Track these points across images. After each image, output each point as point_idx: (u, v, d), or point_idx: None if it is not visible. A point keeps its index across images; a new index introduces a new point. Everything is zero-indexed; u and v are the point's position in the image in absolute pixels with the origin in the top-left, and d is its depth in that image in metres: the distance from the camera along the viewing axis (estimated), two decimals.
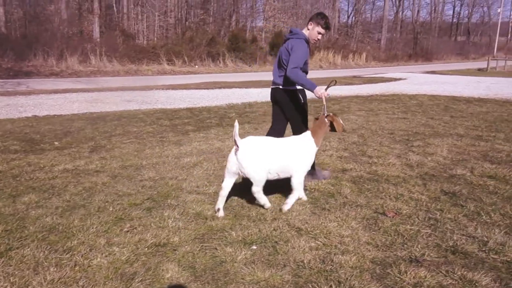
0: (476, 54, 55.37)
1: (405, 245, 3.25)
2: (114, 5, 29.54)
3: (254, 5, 39.68)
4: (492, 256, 3.09)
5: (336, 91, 16.06)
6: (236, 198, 4.28)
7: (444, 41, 56.94)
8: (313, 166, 4.55)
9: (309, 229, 3.53)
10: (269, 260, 3.04)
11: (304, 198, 4.17)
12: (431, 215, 3.82)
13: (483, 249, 3.19)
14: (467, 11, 68.74)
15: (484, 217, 3.80)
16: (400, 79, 22.96)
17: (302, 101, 4.59)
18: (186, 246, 3.23)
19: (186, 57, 26.02)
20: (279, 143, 3.86)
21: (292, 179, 3.88)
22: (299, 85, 4.31)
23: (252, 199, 3.96)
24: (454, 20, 70.23)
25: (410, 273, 2.83)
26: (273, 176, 3.82)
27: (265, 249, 3.20)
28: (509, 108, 11.37)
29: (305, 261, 2.99)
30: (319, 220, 3.71)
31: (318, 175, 4.78)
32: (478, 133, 7.73)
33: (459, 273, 2.83)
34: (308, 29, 4.47)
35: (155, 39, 28.75)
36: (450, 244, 3.27)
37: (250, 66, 28.70)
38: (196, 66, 26.20)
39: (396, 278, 2.80)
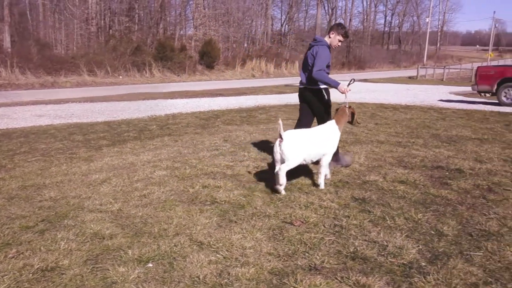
0: (407, 62, 58.37)
1: (307, 254, 3.34)
2: (28, 12, 28.41)
3: (183, 13, 39.60)
4: (389, 259, 3.25)
5: (266, 100, 16.32)
6: (139, 215, 4.22)
7: (377, 49, 59.60)
8: (336, 154, 5.56)
9: (211, 242, 3.54)
10: (164, 277, 3.01)
11: (329, 176, 5.25)
12: (337, 222, 3.96)
13: (382, 253, 3.34)
14: (398, 21, 72.44)
15: (388, 221, 3.98)
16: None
17: (326, 98, 5.58)
18: (75, 269, 3.13)
19: (109, 67, 25.46)
20: (312, 133, 4.93)
21: (322, 160, 4.92)
22: (324, 84, 5.38)
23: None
24: (386, 29, 73.76)
25: (306, 281, 2.91)
26: (308, 161, 4.87)
27: (161, 266, 3.17)
28: (432, 115, 12.06)
29: (200, 276, 3.00)
30: (223, 233, 3.73)
31: (343, 162, 5.89)
32: (398, 140, 8.12)
33: (353, 278, 2.95)
34: (330, 37, 5.52)
35: (75, 48, 27.91)
36: (351, 250, 3.39)
37: (178, 75, 28.54)
38: (120, 77, 25.68)
39: (291, 287, 2.87)
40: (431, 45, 75.25)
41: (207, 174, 5.68)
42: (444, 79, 33.08)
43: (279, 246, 3.48)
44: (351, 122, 5.23)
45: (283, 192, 4.72)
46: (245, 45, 42.26)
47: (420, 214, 4.17)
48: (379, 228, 3.84)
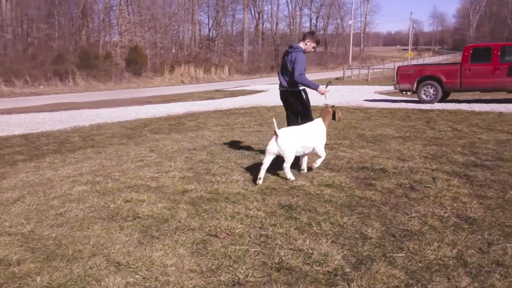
0: (334, 64, 60.04)
1: (231, 268, 3.22)
2: None
3: (107, 19, 38.48)
4: (315, 268, 3.20)
5: (195, 106, 16.10)
6: (53, 236, 3.93)
7: None
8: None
9: (130, 262, 3.34)
10: None
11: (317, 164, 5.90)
12: (263, 232, 3.87)
13: (308, 262, 3.29)
14: (322, 23, 74.44)
15: (314, 227, 3.95)
16: (261, 91, 23.89)
17: (305, 97, 6.20)
18: None
19: (29, 77, 24.18)
20: (302, 129, 5.66)
21: (317, 151, 5.74)
22: (305, 86, 5.98)
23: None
24: None
25: None
26: (300, 153, 5.62)
27: None
28: (358, 115, 12.36)
29: None
30: (144, 250, 3.54)
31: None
32: (326, 141, 8.20)
33: None
34: (306, 44, 6.10)
35: None
36: (276, 260, 3.31)
37: (104, 84, 27.62)
38: (41, 87, 24.46)
39: None
40: (356, 46, 77.95)
41: (130, 187, 5.43)
42: (369, 79, 34.29)
43: (203, 261, 3.34)
44: (334, 119, 6.03)
45: (292, 178, 5.48)
46: (173, 51, 41.71)
47: (346, 218, 4.17)
48: (305, 235, 3.79)
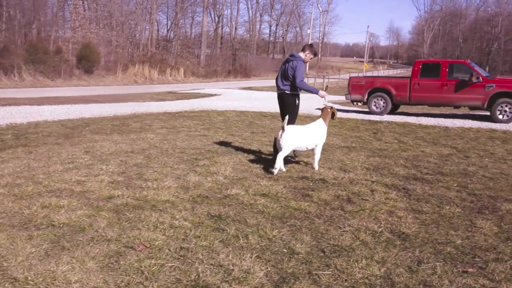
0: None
1: (141, 285, 2.93)
2: None
3: (60, 13, 37.23)
4: (234, 286, 2.96)
5: (144, 107, 15.64)
6: None
7: (262, 58, 61.01)
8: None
9: (30, 278, 2.99)
10: None
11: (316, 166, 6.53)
12: (184, 245, 3.60)
13: (227, 279, 3.04)
14: (282, 31, 75.01)
15: (241, 240, 3.71)
16: (215, 95, 23.58)
17: (298, 102, 7.02)
18: None
19: None
20: (306, 128, 6.47)
21: (315, 149, 6.45)
22: (306, 91, 6.90)
23: None
24: (271, 39, 76.13)
25: None
26: (302, 148, 6.42)
27: None
28: (307, 122, 12.19)
29: None
30: (49, 264, 3.20)
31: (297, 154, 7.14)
32: (271, 149, 8.03)
33: None
34: (305, 55, 6.85)
35: None
36: (192, 277, 3.05)
37: (53, 80, 26.60)
38: None
39: None
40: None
41: (51, 191, 5.03)
42: (324, 88, 34.52)
43: (111, 278, 3.03)
44: (333, 118, 6.71)
45: (275, 172, 6.05)
46: (129, 50, 40.82)
47: (276, 231, 3.96)
48: (230, 248, 3.55)
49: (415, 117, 14.70)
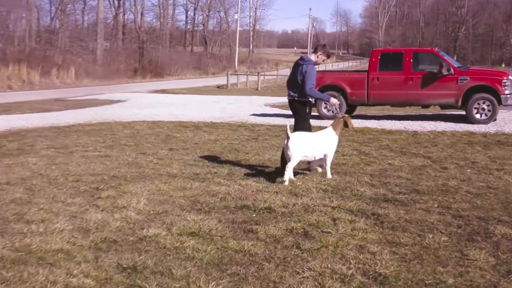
0: (216, 68, 60.75)
1: None
2: None
3: None
4: None
5: (23, 121, 14.99)
6: None
7: (178, 52, 60.85)
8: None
9: None
10: None
11: (320, 170, 7.68)
12: None
13: None
14: (202, 17, 75.18)
15: None
16: (118, 101, 23.14)
17: (308, 110, 7.78)
18: None
19: None
20: (314, 136, 7.41)
21: (326, 159, 7.36)
22: (317, 99, 8.41)
23: None
24: (189, 27, 76.06)
25: None
26: (310, 158, 7.30)
27: None
28: (242, 134, 12.26)
29: None
30: None
31: (314, 165, 7.80)
32: (196, 170, 7.93)
33: None
34: (317, 57, 7.63)
35: None
36: None
37: None
38: None
39: None
40: (243, 46, 79.85)
41: None
42: (259, 88, 34.94)
43: None
44: (346, 127, 7.58)
45: (286, 183, 6.93)
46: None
47: (213, 283, 3.79)
48: None
49: (376, 121, 15.05)
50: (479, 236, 4.89)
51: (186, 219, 5.32)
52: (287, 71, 42.40)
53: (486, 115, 14.07)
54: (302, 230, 5.03)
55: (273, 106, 21.15)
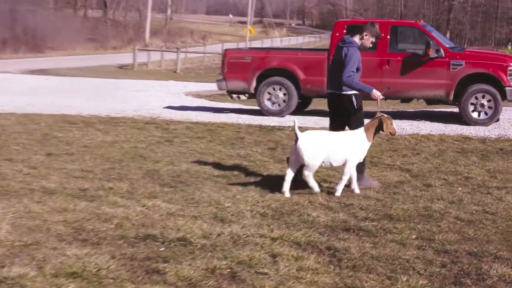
0: (118, 41, 60.15)
1: None
2: None
3: None
4: None
5: None
6: None
7: (66, 17, 59.98)
8: (361, 170, 8.15)
9: None
10: None
11: (357, 191, 7.87)
12: None
13: None
14: None
15: None
16: None
17: (356, 104, 8.25)
18: None
19: None
20: (335, 136, 7.93)
21: (345, 167, 7.75)
22: (356, 90, 8.15)
23: None
24: None
25: None
26: (326, 164, 7.76)
27: None
28: (152, 134, 12.33)
29: None
30: None
31: (366, 183, 8.19)
32: (84, 185, 7.96)
33: None
34: (363, 38, 8.20)
35: None
36: None
37: None
38: None
39: None
40: (158, 12, 79.40)
41: None
42: (178, 70, 34.89)
43: None
44: (382, 130, 7.91)
45: (317, 190, 7.66)
46: None
47: None
48: None
49: None
50: (469, 278, 4.99)
51: (65, 254, 5.26)
52: (218, 47, 42.52)
53: (485, 113, 14.39)
54: (229, 270, 5.04)
55: (197, 95, 21.23)
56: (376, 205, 7.16)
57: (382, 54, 14.93)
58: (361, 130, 7.86)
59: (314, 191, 7.55)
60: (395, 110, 17.25)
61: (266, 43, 59.92)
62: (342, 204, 7.17)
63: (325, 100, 17.00)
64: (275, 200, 7.31)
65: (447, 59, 14.53)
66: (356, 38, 8.17)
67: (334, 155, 7.64)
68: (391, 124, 7.98)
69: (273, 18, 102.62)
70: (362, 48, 8.25)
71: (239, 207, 6.92)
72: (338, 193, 7.68)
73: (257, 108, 16.03)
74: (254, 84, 15.71)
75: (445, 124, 14.41)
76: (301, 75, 15.46)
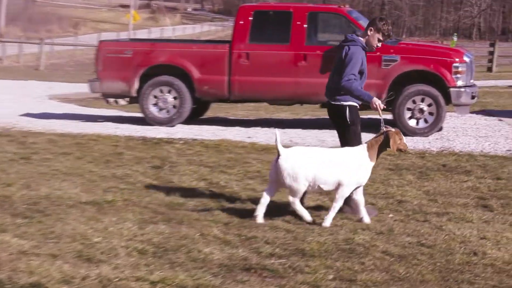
0: None
1: None
2: None
3: None
4: None
5: None
6: None
7: None
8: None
9: None
10: None
11: (367, 220, 7.99)
12: None
13: None
14: None
15: None
16: None
17: (350, 117, 8.34)
18: None
19: None
20: (326, 153, 8.28)
21: (337, 192, 7.82)
22: (354, 97, 8.27)
23: None
24: None
25: None
26: (313, 187, 7.88)
27: None
28: (2, 149, 11.99)
29: None
30: None
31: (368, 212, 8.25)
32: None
33: None
34: (368, 35, 8.36)
35: None
36: None
37: None
38: None
39: None
40: None
41: None
42: (41, 67, 34.49)
43: None
44: (388, 147, 7.98)
45: (309, 219, 7.81)
46: None
47: None
48: None
49: (242, 129, 15.29)
50: None
51: None
52: (94, 38, 42.13)
53: (425, 121, 14.64)
54: None
55: (65, 100, 21.05)
56: (285, 238, 7.16)
57: (297, 47, 15.04)
58: (362, 147, 7.95)
59: (306, 221, 7.71)
60: (314, 118, 17.43)
61: (155, 33, 59.85)
62: (243, 237, 7.13)
63: (223, 104, 17.37)
64: (157, 233, 7.22)
65: (377, 53, 14.31)
66: (362, 36, 8.35)
67: (324, 176, 7.70)
68: (401, 139, 8.06)
69: (164, 1, 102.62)
70: (368, 48, 8.37)
71: (112, 243, 6.82)
72: (327, 223, 7.71)
73: (141, 115, 15.93)
74: (136, 85, 15.53)
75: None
76: (195, 73, 15.40)
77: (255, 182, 9.93)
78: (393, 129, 8.07)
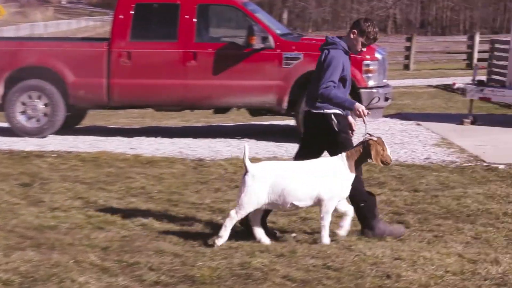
0: None
1: None
2: None
3: None
4: None
5: None
6: None
7: None
8: (372, 216, 8.52)
9: None
10: None
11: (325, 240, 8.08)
12: None
13: None
14: None
15: None
16: None
17: (336, 126, 8.39)
18: None
19: None
20: (296, 166, 8.35)
21: (321, 209, 8.03)
22: (333, 105, 8.30)
23: None
24: None
25: None
26: (285, 206, 8.07)
27: None
28: None
29: None
30: None
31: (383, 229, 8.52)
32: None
33: None
34: (351, 37, 8.44)
35: None
36: None
37: None
38: None
39: None
40: None
41: None
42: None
43: None
44: (370, 158, 8.12)
45: (223, 241, 7.81)
46: None
47: None
48: None
49: (124, 139, 15.27)
50: None
51: None
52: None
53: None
54: None
55: None
56: (172, 263, 7.17)
57: (186, 45, 15.09)
58: (340, 157, 8.02)
59: (217, 244, 7.72)
60: (207, 125, 17.50)
61: (24, 30, 59.20)
62: (124, 264, 7.13)
63: (102, 112, 17.29)
64: (25, 260, 7.17)
65: (278, 50, 14.56)
66: (345, 38, 8.40)
67: (297, 192, 7.84)
68: (384, 150, 8.15)
69: None
70: (354, 52, 8.51)
71: None
72: (326, 240, 7.95)
73: (6, 125, 15.78)
74: (0, 90, 15.34)
75: (277, 144, 14.62)
76: (69, 76, 15.28)
77: (138, 200, 9.96)
78: (374, 138, 8.17)
